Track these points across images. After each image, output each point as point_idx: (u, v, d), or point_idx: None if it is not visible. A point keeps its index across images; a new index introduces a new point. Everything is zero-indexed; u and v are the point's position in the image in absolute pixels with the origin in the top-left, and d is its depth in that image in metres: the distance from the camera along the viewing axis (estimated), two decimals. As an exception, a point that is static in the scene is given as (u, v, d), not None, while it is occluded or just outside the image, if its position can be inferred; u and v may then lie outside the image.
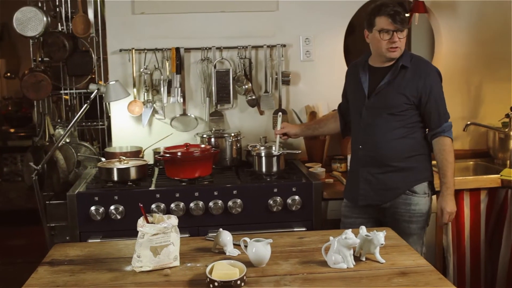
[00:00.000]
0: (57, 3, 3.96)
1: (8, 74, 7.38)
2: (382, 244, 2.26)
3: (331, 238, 2.26)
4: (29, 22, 3.78)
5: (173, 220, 2.28)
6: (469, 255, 3.62)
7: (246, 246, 2.31)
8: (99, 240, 3.18)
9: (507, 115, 3.85)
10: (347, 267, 2.22)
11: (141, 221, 2.28)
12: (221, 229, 2.43)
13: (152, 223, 2.30)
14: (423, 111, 2.97)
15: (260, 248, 2.24)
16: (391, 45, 2.91)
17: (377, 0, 3.04)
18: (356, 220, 3.11)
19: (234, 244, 2.43)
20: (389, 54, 2.94)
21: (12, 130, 6.68)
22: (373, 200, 3.06)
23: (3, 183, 6.38)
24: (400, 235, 2.96)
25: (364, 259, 2.31)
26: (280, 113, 3.45)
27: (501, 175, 3.61)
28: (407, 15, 4.02)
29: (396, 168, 3.00)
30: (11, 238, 5.56)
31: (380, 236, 2.25)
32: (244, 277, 2.07)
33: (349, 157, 3.58)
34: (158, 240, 2.24)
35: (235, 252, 2.38)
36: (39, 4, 3.93)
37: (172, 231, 2.27)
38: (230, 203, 3.29)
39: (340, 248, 2.22)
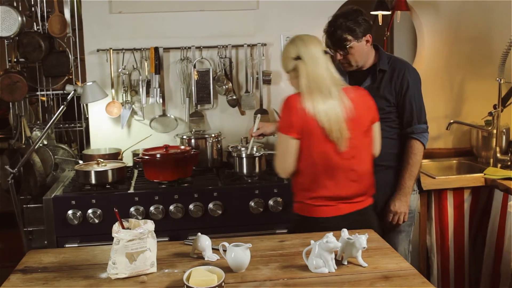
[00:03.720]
0: (32, 2, 3.87)
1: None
2: (364, 248, 2.20)
3: (312, 242, 2.21)
4: (4, 21, 3.69)
5: (149, 225, 2.21)
6: (453, 255, 3.60)
7: (225, 251, 2.25)
8: (77, 245, 3.12)
9: (490, 113, 3.83)
10: (329, 272, 2.16)
11: (116, 226, 2.21)
12: (199, 234, 2.37)
13: (128, 228, 2.23)
14: (399, 110, 2.93)
15: (239, 253, 2.19)
16: (340, 60, 2.94)
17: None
18: None
19: (213, 249, 2.37)
20: (343, 68, 2.98)
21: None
22: None
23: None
24: (389, 233, 2.95)
25: (346, 263, 2.25)
26: (258, 115, 3.37)
27: (484, 174, 3.60)
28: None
29: (385, 167, 2.98)
30: (-11, 242, 5.45)
31: (362, 239, 2.20)
32: (223, 284, 2.01)
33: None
34: (134, 246, 2.17)
35: (214, 257, 2.32)
36: (14, 3, 3.83)
37: (148, 237, 2.20)
38: (210, 205, 3.24)
39: (321, 252, 2.16)
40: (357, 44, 2.86)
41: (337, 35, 2.86)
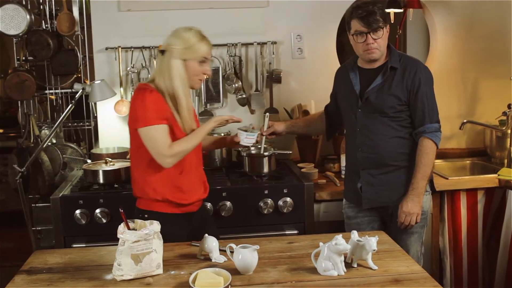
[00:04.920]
0: (41, 1, 3.87)
1: (-4, 74, 7.25)
2: (374, 250, 2.15)
3: (321, 244, 2.16)
4: (12, 20, 3.69)
5: (155, 226, 2.18)
6: (466, 257, 3.54)
7: (232, 252, 2.21)
8: (84, 245, 3.09)
9: (504, 113, 3.76)
10: (338, 275, 2.12)
11: (121, 227, 2.17)
12: (206, 235, 2.33)
13: (133, 229, 2.19)
14: (410, 109, 2.87)
15: (246, 254, 2.14)
16: (367, 47, 2.83)
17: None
18: (363, 220, 3.03)
19: (220, 250, 2.33)
20: (367, 56, 2.88)
21: (1, 131, 6.56)
22: (378, 203, 2.97)
23: (-9, 185, 6.27)
24: (401, 234, 2.89)
25: (355, 266, 2.21)
26: (267, 114, 3.31)
27: (498, 175, 3.53)
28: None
29: (397, 167, 2.92)
30: (-1, 241, 5.46)
31: (372, 241, 2.15)
32: (229, 286, 1.97)
33: (342, 157, 3.49)
34: (139, 247, 2.13)
35: (221, 259, 2.28)
36: (23, 2, 3.83)
37: (154, 238, 2.17)
38: (219, 205, 3.20)
39: (331, 254, 2.12)
40: (385, 31, 2.84)
41: (375, 16, 2.79)
